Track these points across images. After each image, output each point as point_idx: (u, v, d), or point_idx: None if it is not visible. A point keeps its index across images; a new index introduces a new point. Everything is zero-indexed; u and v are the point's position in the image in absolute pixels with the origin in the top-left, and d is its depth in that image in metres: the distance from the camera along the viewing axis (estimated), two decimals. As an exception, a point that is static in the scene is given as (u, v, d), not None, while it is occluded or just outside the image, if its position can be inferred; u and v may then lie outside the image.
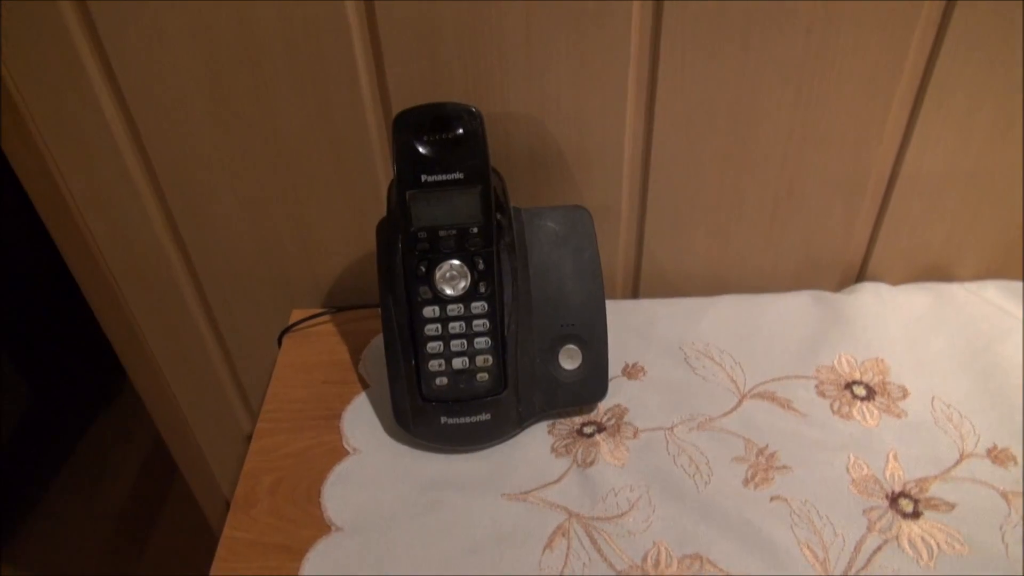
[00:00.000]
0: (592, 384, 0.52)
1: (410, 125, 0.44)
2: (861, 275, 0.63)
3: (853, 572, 0.42)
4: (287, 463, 0.50)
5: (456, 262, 0.47)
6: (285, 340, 0.59)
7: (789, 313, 0.60)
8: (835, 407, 0.52)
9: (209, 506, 0.83)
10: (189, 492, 0.82)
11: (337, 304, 0.62)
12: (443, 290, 0.47)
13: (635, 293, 0.64)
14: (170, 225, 0.59)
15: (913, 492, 0.47)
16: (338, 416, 0.53)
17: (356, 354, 0.57)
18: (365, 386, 0.55)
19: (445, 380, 0.49)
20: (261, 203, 0.58)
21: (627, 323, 0.59)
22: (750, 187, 0.57)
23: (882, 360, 0.56)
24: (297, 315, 0.60)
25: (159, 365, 0.69)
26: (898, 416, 0.52)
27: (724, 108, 0.53)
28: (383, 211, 0.50)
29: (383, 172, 0.56)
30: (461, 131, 0.44)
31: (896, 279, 0.62)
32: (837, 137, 0.54)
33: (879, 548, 0.44)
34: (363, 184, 0.56)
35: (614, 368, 0.55)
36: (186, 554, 1.38)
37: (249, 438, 0.75)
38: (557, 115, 0.53)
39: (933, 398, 0.53)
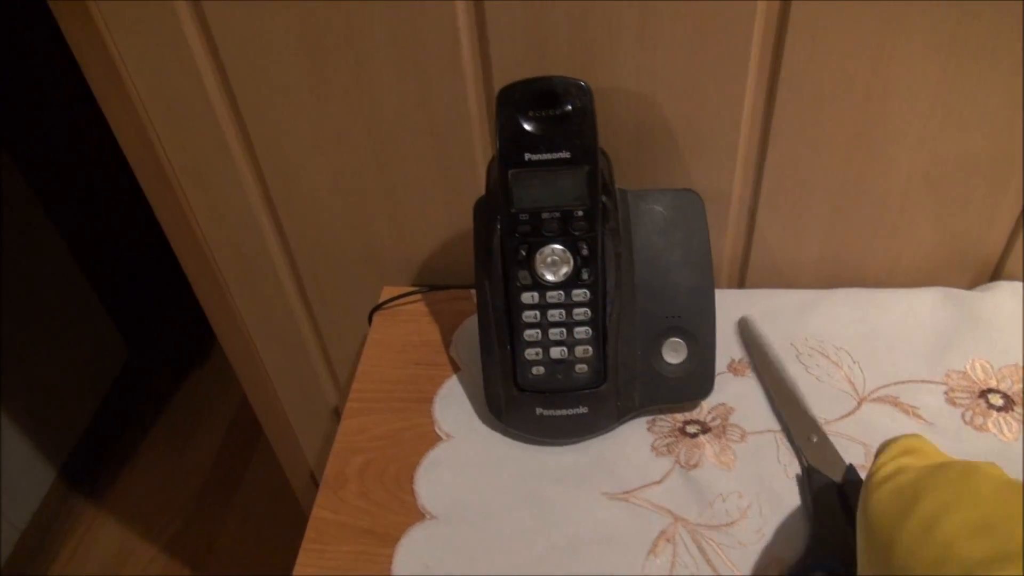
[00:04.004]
0: (697, 380, 0.48)
1: (515, 100, 0.42)
2: (997, 273, 0.57)
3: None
4: (377, 445, 0.49)
5: (559, 247, 0.44)
6: (375, 317, 0.58)
7: (915, 310, 0.54)
8: (967, 417, 0.48)
9: (292, 471, 0.84)
10: (273, 456, 0.83)
11: (428, 283, 0.60)
12: (544, 275, 0.45)
13: (741, 283, 0.60)
14: (264, 196, 0.59)
15: (1062, 519, 0.42)
16: (429, 399, 0.51)
17: (447, 336, 0.56)
18: (456, 369, 0.53)
19: (542, 370, 0.46)
20: (354, 178, 0.56)
21: (732, 315, 0.55)
22: (880, 170, 0.52)
23: (1022, 367, 0.50)
24: (388, 292, 0.59)
25: (249, 333, 0.70)
26: (1043, 431, 0.46)
27: (858, 82, 0.48)
28: (479, 189, 0.48)
29: (481, 148, 0.54)
30: (569, 107, 0.41)
31: (1038, 279, 0.56)
32: (988, 116, 0.48)
33: None
34: (459, 161, 0.54)
35: (719, 363, 0.52)
36: (268, 515, 1.43)
37: (335, 411, 0.76)
38: (669, 91, 0.49)
39: (1084, 413, 0.47)
